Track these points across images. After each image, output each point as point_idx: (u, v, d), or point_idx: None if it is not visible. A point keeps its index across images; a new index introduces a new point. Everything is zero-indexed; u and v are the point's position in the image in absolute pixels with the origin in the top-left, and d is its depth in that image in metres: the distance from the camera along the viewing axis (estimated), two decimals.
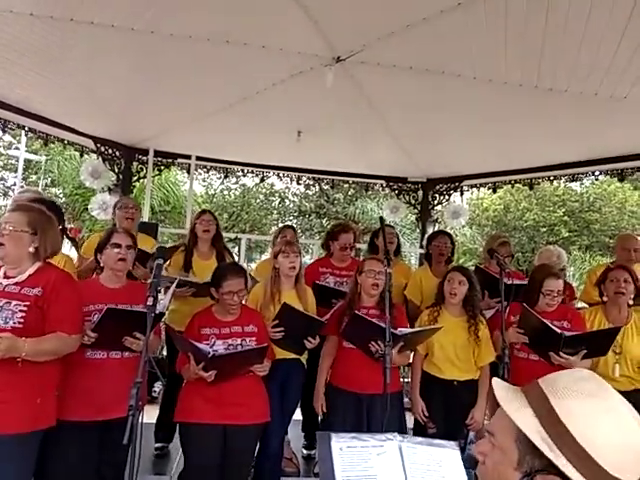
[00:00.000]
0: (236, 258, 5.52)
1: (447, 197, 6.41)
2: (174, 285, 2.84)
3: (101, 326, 2.28)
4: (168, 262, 3.39)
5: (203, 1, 2.91)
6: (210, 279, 2.76)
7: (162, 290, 2.89)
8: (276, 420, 2.82)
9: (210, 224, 3.63)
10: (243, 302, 2.80)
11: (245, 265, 6.53)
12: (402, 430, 2.44)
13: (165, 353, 3.83)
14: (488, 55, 3.27)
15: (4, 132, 5.24)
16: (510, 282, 2.97)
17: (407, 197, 6.55)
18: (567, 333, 2.72)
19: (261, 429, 2.71)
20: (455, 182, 6.27)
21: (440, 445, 1.45)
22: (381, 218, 3.34)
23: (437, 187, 6.40)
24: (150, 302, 2.01)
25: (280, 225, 14.30)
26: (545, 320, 2.77)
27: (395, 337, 2.52)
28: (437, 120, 4.46)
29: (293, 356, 3.02)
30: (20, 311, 2.05)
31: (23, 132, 6.01)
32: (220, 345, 2.56)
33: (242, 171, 6.78)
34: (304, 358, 3.15)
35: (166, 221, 13.75)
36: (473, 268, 3.73)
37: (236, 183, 17.92)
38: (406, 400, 3.28)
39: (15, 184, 17.96)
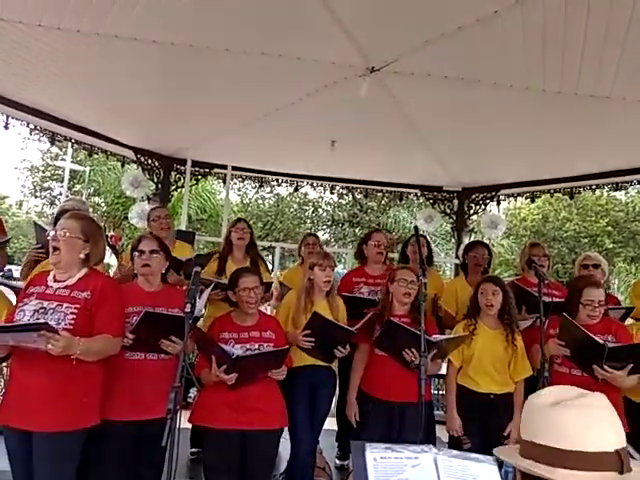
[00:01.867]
0: (270, 266, 5.58)
1: (483, 206, 6.29)
2: (209, 289, 2.92)
3: (139, 328, 2.36)
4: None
5: (239, 15, 2.98)
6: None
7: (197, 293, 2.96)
8: (305, 428, 2.82)
9: (245, 232, 3.70)
10: (267, 311, 2.85)
11: (279, 273, 6.58)
12: (430, 441, 2.40)
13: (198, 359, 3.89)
14: (525, 63, 3.21)
15: (52, 144, 5.50)
16: (549, 300, 2.89)
17: (442, 206, 6.47)
18: (611, 344, 2.61)
19: (279, 434, 2.73)
20: (492, 191, 6.15)
21: (477, 459, 1.41)
22: (415, 227, 3.32)
23: (473, 196, 6.29)
24: (188, 308, 2.07)
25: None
26: (587, 330, 2.67)
27: (430, 344, 2.50)
28: (472, 128, 4.41)
29: (323, 363, 3.02)
30: (71, 313, 2.14)
31: (70, 144, 6.31)
32: (239, 350, 2.60)
33: (276, 180, 6.87)
34: (335, 366, 3.14)
35: (202, 229, 14.04)
36: (509, 281, 3.65)
37: (270, 192, 18.16)
38: (438, 412, 3.22)
39: (61, 193, 18.73)
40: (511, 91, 3.51)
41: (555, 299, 3.13)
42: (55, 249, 2.21)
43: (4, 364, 2.76)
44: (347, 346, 2.89)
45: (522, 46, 3.02)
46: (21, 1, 2.87)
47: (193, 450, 3.70)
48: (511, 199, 6.56)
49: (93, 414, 2.22)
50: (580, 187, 5.65)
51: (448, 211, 6.48)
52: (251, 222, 4.28)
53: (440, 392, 4.03)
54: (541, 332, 2.60)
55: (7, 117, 4.58)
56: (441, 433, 3.05)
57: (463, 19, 2.82)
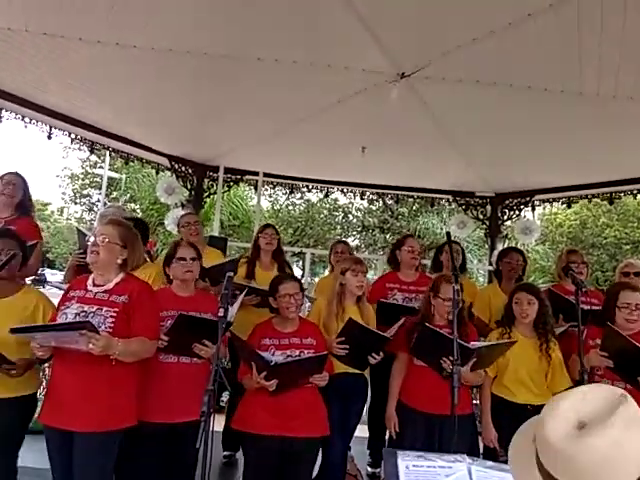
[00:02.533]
0: (299, 272, 5.61)
1: (517, 212, 6.16)
2: (243, 293, 2.95)
3: (173, 331, 2.41)
4: None
5: (270, 25, 3.04)
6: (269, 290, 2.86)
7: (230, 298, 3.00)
8: (337, 434, 2.81)
9: (272, 238, 3.74)
10: (302, 315, 2.86)
11: (309, 279, 6.61)
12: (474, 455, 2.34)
13: (230, 363, 3.94)
14: (561, 66, 3.15)
15: (92, 153, 5.71)
16: (588, 308, 2.80)
17: (475, 212, 6.37)
18: None
19: (320, 442, 2.73)
20: (526, 197, 6.02)
21: None
22: (448, 233, 3.27)
23: (506, 202, 6.18)
24: (221, 313, 2.10)
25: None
26: (633, 340, 2.57)
27: (467, 351, 2.45)
28: (506, 133, 4.34)
29: (356, 371, 3.01)
30: (110, 317, 2.21)
31: (107, 152, 6.52)
32: (279, 356, 2.61)
33: (307, 187, 6.92)
34: (367, 373, 3.13)
35: (234, 235, 14.23)
36: (546, 288, 3.55)
37: (301, 198, 18.26)
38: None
39: (99, 200, 19.35)
40: (546, 94, 3.44)
41: (594, 307, 3.04)
42: (93, 253, 2.29)
43: (46, 365, 2.86)
44: (380, 353, 2.87)
45: (557, 49, 2.97)
46: (64, 16, 2.99)
47: (226, 453, 3.74)
48: (546, 204, 6.39)
49: (130, 415, 2.28)
50: (620, 192, 5.47)
51: (481, 217, 6.38)
52: (281, 228, 4.33)
53: (475, 402, 3.94)
54: (579, 341, 2.52)
55: (50, 127, 4.78)
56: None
57: (495, 23, 2.79)
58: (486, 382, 2.94)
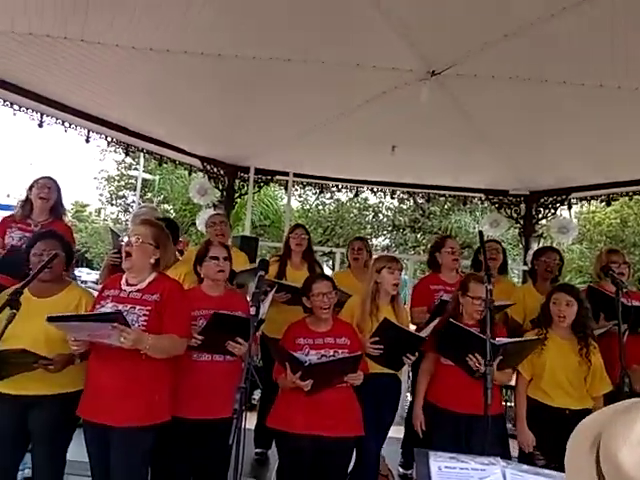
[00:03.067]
0: (329, 271, 5.62)
1: (553, 210, 5.99)
2: (273, 290, 2.98)
3: (207, 330, 2.46)
4: None
5: (299, 26, 3.05)
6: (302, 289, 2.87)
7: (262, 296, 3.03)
8: (370, 434, 2.80)
9: (302, 238, 3.77)
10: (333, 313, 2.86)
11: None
12: (505, 457, 2.30)
13: (261, 361, 3.98)
14: (598, 59, 3.05)
15: (127, 155, 5.87)
16: (630, 304, 2.70)
17: (508, 211, 6.22)
18: None
19: (354, 442, 2.72)
20: (562, 194, 5.84)
21: (549, 476, 1.35)
22: (480, 232, 3.22)
23: (542, 200, 6.01)
24: (253, 311, 2.13)
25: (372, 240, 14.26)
26: None
27: (493, 348, 2.40)
28: (540, 129, 4.22)
29: (389, 371, 2.99)
30: (144, 315, 2.28)
31: (142, 154, 6.69)
32: (314, 355, 2.62)
33: (337, 186, 6.91)
34: (405, 373, 3.11)
35: (265, 235, 14.36)
36: (585, 287, 3.45)
37: (330, 198, 18.24)
38: (509, 426, 3.09)
39: (134, 201, 19.85)
40: (583, 89, 3.34)
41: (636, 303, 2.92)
42: (128, 254, 2.35)
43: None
44: (415, 353, 2.84)
45: (594, 42, 2.87)
46: (101, 23, 3.08)
47: (257, 450, 3.78)
48: (584, 202, 6.19)
49: (164, 411, 2.34)
50: None
51: (515, 216, 6.22)
52: (311, 228, 4.35)
53: (509, 404, 3.86)
54: (620, 343, 2.44)
55: (88, 131, 4.94)
56: (514, 448, 2.92)
57: (527, 18, 2.72)
58: (521, 385, 2.88)
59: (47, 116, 4.56)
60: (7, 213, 3.85)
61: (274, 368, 2.77)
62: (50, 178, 3.51)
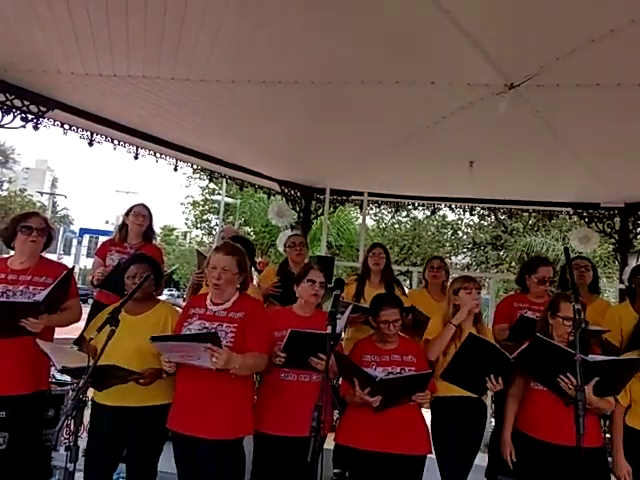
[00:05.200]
0: (407, 291, 5.53)
1: None
2: (349, 309, 3.02)
3: (287, 347, 2.53)
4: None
5: (373, 47, 3.09)
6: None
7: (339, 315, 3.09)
8: (455, 459, 2.71)
9: (380, 257, 3.78)
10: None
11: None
12: None
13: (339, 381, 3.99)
14: None
15: (211, 181, 6.25)
16: None
17: (600, 225, 5.80)
18: None
19: (423, 460, 2.67)
20: None
21: None
22: (566, 249, 3.04)
23: (639, 213, 5.56)
24: (329, 330, 2.17)
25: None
26: None
27: (586, 367, 2.22)
28: (634, 136, 3.93)
29: (472, 395, 2.88)
30: (231, 332, 2.40)
31: (224, 180, 7.06)
32: (380, 372, 2.64)
33: (413, 204, 6.84)
34: (485, 397, 2.98)
35: (341, 255, 14.46)
36: None
37: (407, 216, 18.03)
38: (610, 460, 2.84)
39: (217, 224, 20.87)
40: None
41: None
42: (216, 285, 2.47)
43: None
44: (500, 380, 2.70)
45: None
46: (185, 63, 3.34)
47: (336, 471, 3.76)
48: None
49: (248, 425, 2.42)
50: None
51: (608, 230, 5.79)
52: (387, 247, 4.33)
53: (607, 435, 3.55)
54: None
55: (176, 160, 5.32)
56: None
57: (615, 21, 2.57)
58: (618, 411, 2.65)
59: (141, 149, 4.98)
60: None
61: (341, 384, 2.78)
62: (144, 206, 3.85)
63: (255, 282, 3.72)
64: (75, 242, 36.32)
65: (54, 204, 41.17)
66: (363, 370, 2.54)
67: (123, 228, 3.82)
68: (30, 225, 2.77)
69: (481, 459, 3.50)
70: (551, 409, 2.56)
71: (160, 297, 3.07)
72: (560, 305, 2.71)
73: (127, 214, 3.82)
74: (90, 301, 4.06)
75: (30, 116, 3.90)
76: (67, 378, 3.28)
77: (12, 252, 2.86)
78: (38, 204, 34.48)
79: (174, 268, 3.41)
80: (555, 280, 3.48)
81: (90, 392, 2.49)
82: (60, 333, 2.94)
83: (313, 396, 2.49)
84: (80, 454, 2.02)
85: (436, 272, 3.91)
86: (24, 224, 2.77)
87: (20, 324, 2.57)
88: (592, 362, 2.34)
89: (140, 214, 3.76)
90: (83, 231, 34.83)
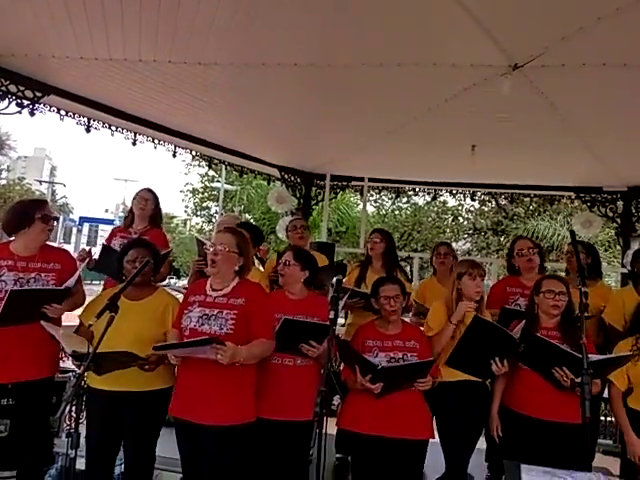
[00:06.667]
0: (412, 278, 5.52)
1: None
2: (347, 295, 3.01)
3: (280, 334, 2.50)
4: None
5: (375, 29, 3.03)
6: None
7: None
8: (459, 443, 2.72)
9: (374, 242, 3.75)
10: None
11: (417, 284, 6.47)
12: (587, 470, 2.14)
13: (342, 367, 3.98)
14: None
15: (210, 167, 6.19)
16: None
17: (603, 209, 5.77)
18: None
19: (425, 445, 2.69)
20: None
21: None
22: (572, 232, 3.00)
23: None
24: (332, 315, 2.14)
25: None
26: None
27: (580, 363, 2.21)
28: (639, 118, 3.87)
29: (475, 379, 2.87)
30: (231, 319, 2.37)
31: (223, 166, 7.00)
32: (383, 358, 2.64)
33: (414, 190, 6.79)
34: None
35: (341, 241, 14.43)
36: None
37: (407, 202, 17.96)
38: (606, 442, 2.85)
39: (217, 212, 20.82)
40: None
41: None
42: (213, 262, 2.44)
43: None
44: (505, 363, 2.68)
45: None
46: (187, 44, 3.27)
47: (338, 456, 3.78)
48: None
49: (251, 411, 2.41)
50: None
51: (611, 214, 5.76)
52: None
53: (608, 419, 3.56)
54: None
55: (175, 146, 5.26)
56: (610, 465, 2.69)
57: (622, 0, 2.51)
58: (616, 395, 2.66)
59: (139, 135, 4.92)
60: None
61: (342, 369, 2.78)
62: (148, 190, 3.82)
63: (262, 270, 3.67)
64: (75, 231, 36.28)
65: (53, 193, 41.03)
66: (364, 358, 2.53)
67: (130, 214, 3.81)
68: (50, 214, 2.78)
69: (482, 442, 3.51)
70: (538, 387, 2.58)
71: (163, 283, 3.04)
72: (542, 282, 2.75)
73: (133, 199, 3.80)
74: None
75: (26, 102, 3.84)
76: (69, 365, 3.26)
77: (11, 238, 2.81)
78: (37, 192, 34.39)
79: (167, 251, 3.36)
80: (540, 250, 3.46)
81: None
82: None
83: (297, 380, 2.58)
84: (82, 440, 2.01)
85: (443, 258, 3.89)
86: (45, 213, 2.76)
87: (43, 310, 2.61)
88: (588, 362, 2.34)
89: (143, 197, 3.72)
90: (83, 219, 34.76)
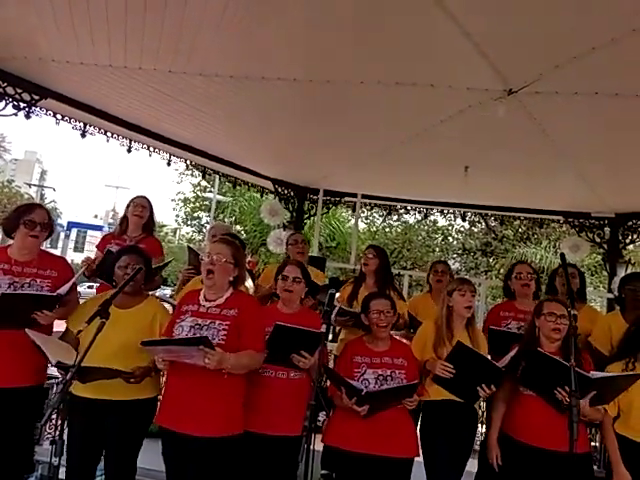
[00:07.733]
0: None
1: None
2: (335, 311, 3.00)
3: (271, 343, 2.49)
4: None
5: (374, 47, 3.08)
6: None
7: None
8: (445, 464, 2.70)
9: (368, 258, 3.76)
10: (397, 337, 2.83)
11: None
12: None
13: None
14: None
15: (204, 177, 6.20)
16: None
17: (590, 235, 5.86)
18: None
19: (411, 464, 2.66)
20: None
21: None
22: (562, 255, 3.05)
23: (629, 223, 5.62)
24: (323, 329, 2.14)
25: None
26: None
27: (587, 382, 2.23)
28: (628, 148, 3.96)
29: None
30: (223, 329, 2.35)
31: (217, 177, 7.01)
32: (370, 374, 2.63)
33: (405, 208, 6.85)
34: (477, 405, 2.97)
35: (332, 256, 14.44)
36: None
37: (398, 220, 18.07)
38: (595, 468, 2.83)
39: (208, 222, 20.76)
40: None
41: None
42: (209, 272, 2.42)
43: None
44: (492, 387, 2.68)
45: None
46: (184, 56, 3.30)
47: (323, 472, 3.73)
48: None
49: (238, 423, 2.38)
50: None
51: (598, 240, 5.85)
52: None
53: (592, 444, 3.56)
54: None
55: (170, 155, 5.27)
56: None
57: (616, 30, 2.59)
58: (607, 422, 2.65)
59: (135, 142, 4.91)
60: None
61: (329, 386, 2.77)
62: (145, 197, 3.80)
63: (250, 284, 3.65)
64: (62, 235, 35.88)
65: (42, 196, 40.63)
66: (349, 383, 2.52)
67: (124, 221, 3.77)
68: (34, 220, 2.70)
69: (471, 465, 3.49)
70: (540, 414, 2.55)
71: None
72: (543, 305, 2.75)
73: (128, 206, 3.77)
74: None
75: (22, 104, 3.83)
76: (53, 371, 3.20)
77: (10, 241, 2.79)
78: (26, 196, 34.00)
79: (169, 261, 3.34)
80: (537, 277, 3.51)
81: None
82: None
83: (289, 394, 2.55)
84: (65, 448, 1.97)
85: (440, 276, 3.90)
86: (28, 218, 2.70)
87: (33, 316, 2.55)
88: (593, 378, 2.35)
89: (140, 204, 3.70)
90: (71, 224, 34.34)
